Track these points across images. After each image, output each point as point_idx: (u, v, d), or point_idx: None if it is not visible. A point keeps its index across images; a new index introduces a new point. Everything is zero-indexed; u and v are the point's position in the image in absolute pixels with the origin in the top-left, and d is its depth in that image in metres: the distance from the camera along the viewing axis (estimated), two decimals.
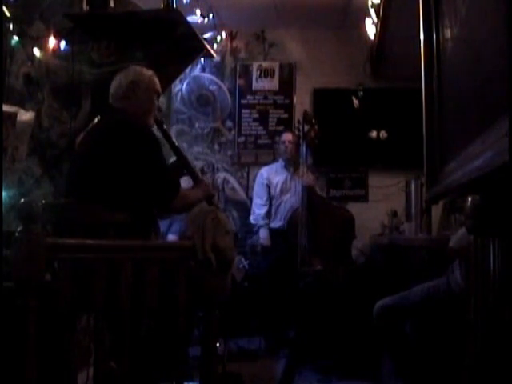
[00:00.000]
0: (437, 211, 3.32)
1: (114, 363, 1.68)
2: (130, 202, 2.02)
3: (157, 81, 2.33)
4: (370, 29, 3.98)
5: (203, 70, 5.29)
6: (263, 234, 4.33)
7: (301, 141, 4.14)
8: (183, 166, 2.43)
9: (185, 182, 2.43)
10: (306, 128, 4.12)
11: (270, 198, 4.38)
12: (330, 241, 3.95)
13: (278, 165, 4.49)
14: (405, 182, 4.05)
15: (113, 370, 1.65)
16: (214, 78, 5.18)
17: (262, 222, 4.35)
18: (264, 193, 4.39)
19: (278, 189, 4.36)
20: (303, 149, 4.09)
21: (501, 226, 0.99)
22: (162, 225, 3.45)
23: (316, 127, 4.11)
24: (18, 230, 1.41)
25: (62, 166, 2.96)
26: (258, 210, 4.39)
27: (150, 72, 2.32)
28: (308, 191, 3.96)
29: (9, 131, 2.71)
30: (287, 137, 4.43)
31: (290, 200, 4.27)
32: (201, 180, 2.44)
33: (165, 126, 2.47)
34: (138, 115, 2.21)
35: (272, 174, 4.43)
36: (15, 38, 2.79)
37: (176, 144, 2.50)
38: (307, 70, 5.26)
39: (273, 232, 4.29)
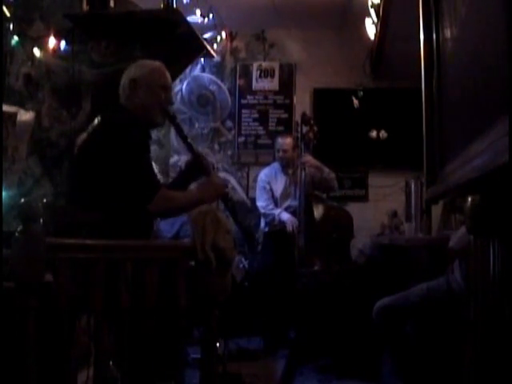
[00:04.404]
0: (437, 211, 3.32)
1: (114, 363, 1.68)
2: (105, 202, 2.00)
3: (162, 73, 2.25)
4: (370, 29, 3.99)
5: (203, 70, 5.29)
6: (285, 216, 4.11)
7: (299, 142, 4.12)
8: (196, 164, 2.30)
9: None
10: (305, 129, 4.11)
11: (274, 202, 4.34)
12: (328, 241, 3.96)
13: (276, 167, 4.42)
14: (405, 182, 4.05)
15: (113, 370, 1.65)
16: (213, 78, 5.18)
17: (277, 211, 4.19)
18: (267, 196, 4.31)
19: (279, 195, 4.32)
20: (301, 151, 4.07)
21: (501, 225, 0.99)
22: (170, 227, 3.40)
23: (315, 128, 4.10)
24: (18, 229, 1.41)
25: (61, 165, 2.96)
26: (263, 210, 4.29)
27: (153, 65, 2.25)
28: (306, 192, 3.97)
29: (9, 131, 2.72)
30: (283, 145, 4.31)
31: (291, 205, 4.24)
32: (209, 180, 2.25)
33: (178, 120, 2.33)
34: (141, 112, 2.19)
35: (272, 179, 4.36)
36: (15, 37, 2.80)
37: (188, 140, 2.33)
38: (307, 70, 5.27)
39: (274, 233, 4.26)
